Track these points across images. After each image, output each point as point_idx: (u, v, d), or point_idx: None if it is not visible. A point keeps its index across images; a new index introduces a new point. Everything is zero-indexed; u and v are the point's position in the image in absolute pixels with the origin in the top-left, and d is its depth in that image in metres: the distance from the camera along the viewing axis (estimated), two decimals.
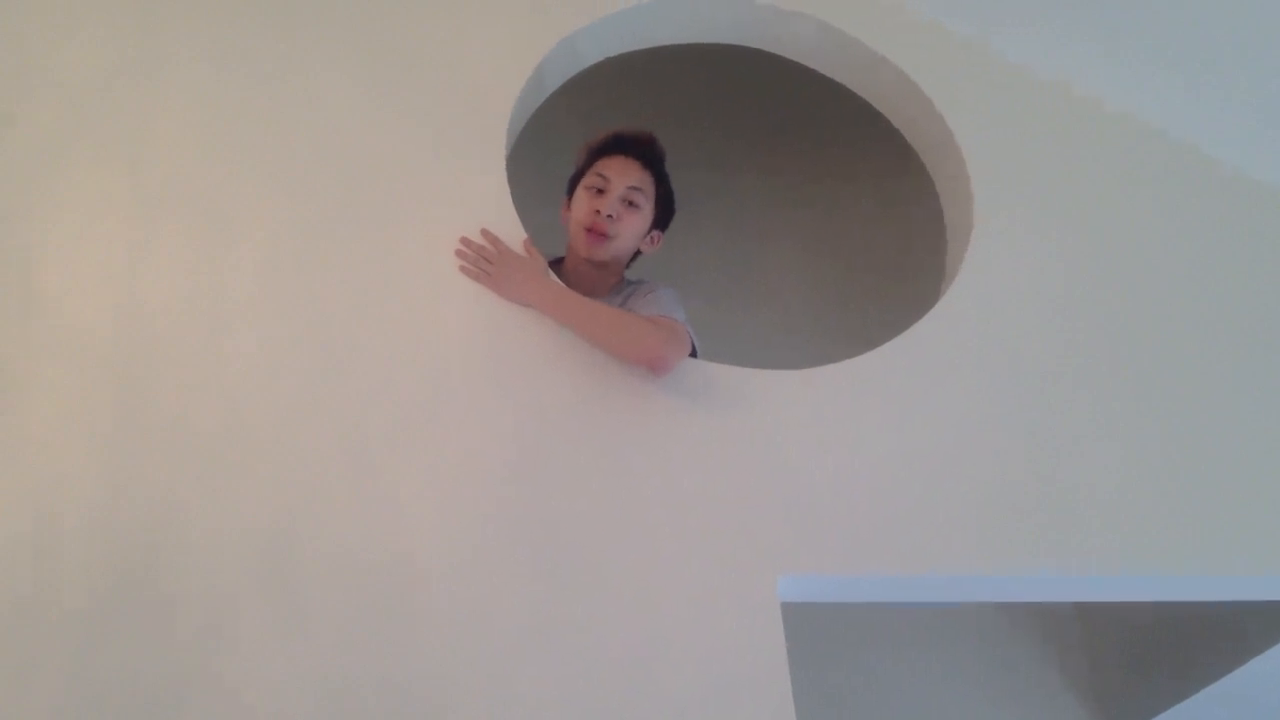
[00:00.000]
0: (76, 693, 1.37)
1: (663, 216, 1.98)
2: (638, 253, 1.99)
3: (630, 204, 1.89)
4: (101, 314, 1.64)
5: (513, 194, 1.84)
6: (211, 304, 1.67)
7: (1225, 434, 1.82)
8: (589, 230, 1.87)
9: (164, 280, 1.68)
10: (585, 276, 1.90)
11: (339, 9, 1.97)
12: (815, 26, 2.12)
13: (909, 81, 2.08)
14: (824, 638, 2.48)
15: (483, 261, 1.74)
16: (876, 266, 3.04)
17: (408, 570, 1.50)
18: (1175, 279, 1.96)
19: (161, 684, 1.39)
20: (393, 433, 1.60)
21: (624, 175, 1.89)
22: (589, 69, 2.19)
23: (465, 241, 1.76)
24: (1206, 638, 2.23)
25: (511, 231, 1.80)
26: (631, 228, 1.90)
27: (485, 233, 1.78)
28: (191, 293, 1.68)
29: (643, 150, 1.93)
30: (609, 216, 1.86)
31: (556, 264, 1.92)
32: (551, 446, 1.63)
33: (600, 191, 1.89)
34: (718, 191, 3.06)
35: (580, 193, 1.92)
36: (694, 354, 1.78)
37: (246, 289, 1.69)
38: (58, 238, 1.70)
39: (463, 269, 1.75)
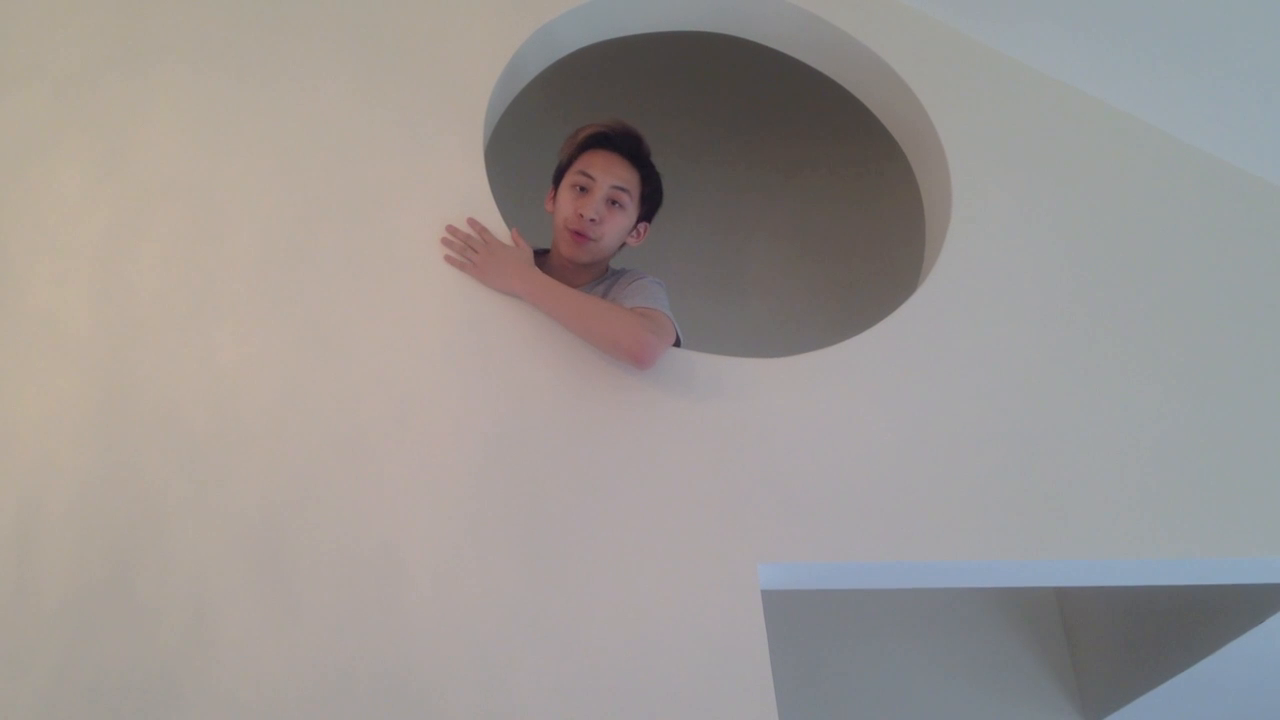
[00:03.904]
0: (66, 686, 1.37)
1: (649, 210, 1.96)
2: (623, 244, 1.98)
3: (614, 203, 1.87)
4: (89, 306, 1.64)
5: (491, 183, 1.84)
6: (199, 296, 1.67)
7: (1206, 418, 1.83)
8: (573, 232, 1.86)
9: (151, 272, 1.68)
10: (569, 270, 1.89)
11: (322, 2, 1.96)
12: (795, 14, 2.12)
13: (887, 68, 2.08)
14: (808, 625, 2.49)
15: (468, 250, 1.74)
16: (861, 255, 3.04)
17: (397, 561, 1.50)
18: (1154, 262, 1.97)
19: (151, 677, 1.39)
20: (381, 424, 1.60)
21: (609, 174, 1.86)
22: (570, 61, 2.18)
23: (452, 230, 1.76)
24: (1186, 621, 2.24)
25: (489, 220, 1.79)
26: (615, 228, 1.87)
27: (472, 222, 1.78)
28: (179, 285, 1.68)
29: (629, 147, 1.90)
30: (592, 220, 1.84)
31: (541, 256, 1.91)
32: (536, 437, 1.63)
33: (584, 190, 1.87)
34: (701, 181, 3.05)
35: (565, 190, 1.89)
36: (678, 344, 1.78)
37: (234, 282, 1.69)
38: (47, 229, 1.70)
39: (447, 258, 1.74)
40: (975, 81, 2.11)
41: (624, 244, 1.96)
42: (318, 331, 1.66)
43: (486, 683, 1.43)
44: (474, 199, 1.81)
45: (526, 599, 1.50)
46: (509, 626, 1.47)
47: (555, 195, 1.93)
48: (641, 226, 1.96)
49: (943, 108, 2.04)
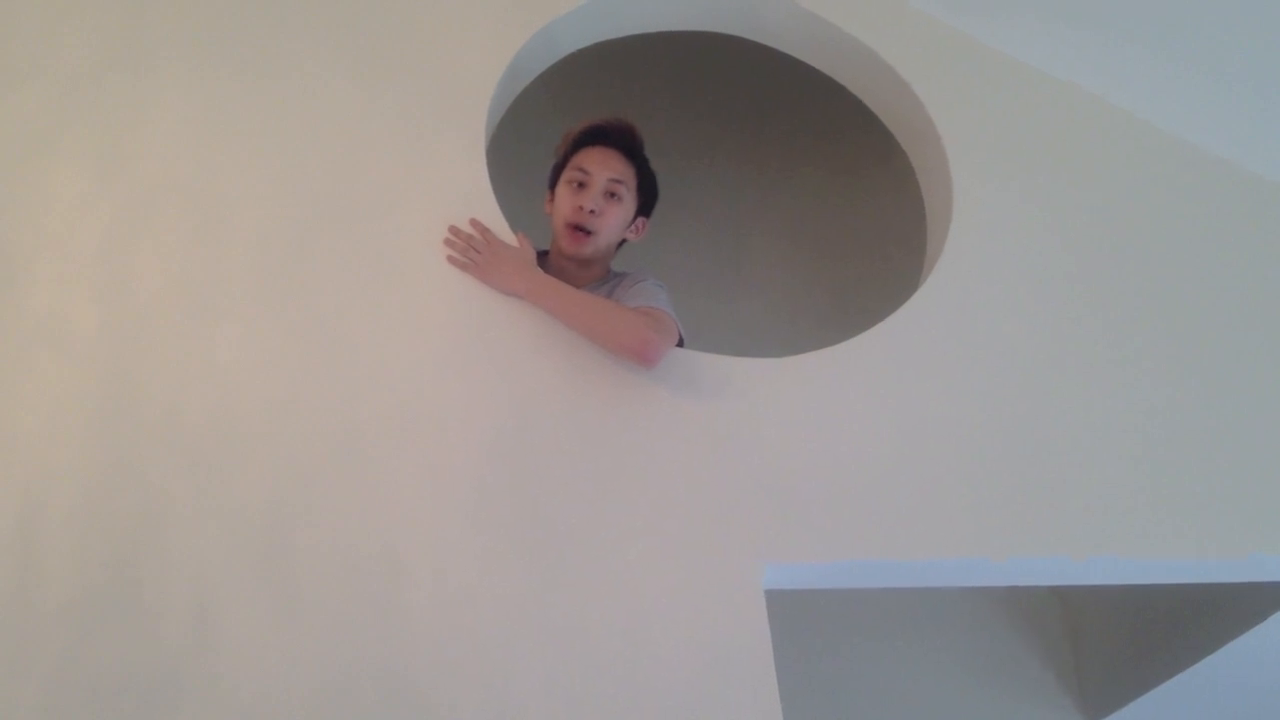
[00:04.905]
0: (67, 686, 1.37)
1: (646, 203, 1.97)
2: (623, 241, 1.98)
3: (612, 195, 1.88)
4: (90, 306, 1.64)
5: (493, 183, 1.83)
6: (201, 295, 1.67)
7: (1208, 416, 1.83)
8: (572, 227, 1.86)
9: (152, 272, 1.68)
10: (570, 269, 1.89)
11: (324, 2, 1.96)
12: (793, 12, 2.12)
13: (887, 67, 2.08)
14: (810, 624, 2.49)
15: (470, 251, 1.74)
16: (859, 254, 3.04)
17: (398, 561, 1.49)
18: (1156, 260, 1.98)
19: (153, 677, 1.38)
20: (382, 423, 1.59)
21: (604, 168, 1.88)
22: (571, 59, 2.18)
23: (454, 231, 1.76)
24: (1188, 620, 2.24)
25: (492, 220, 1.79)
26: (614, 220, 1.89)
27: (474, 222, 1.77)
28: (181, 284, 1.67)
29: (623, 140, 1.92)
30: (591, 212, 1.85)
31: (541, 256, 1.91)
32: (538, 436, 1.62)
33: (581, 185, 1.87)
34: (699, 180, 3.05)
35: (562, 188, 1.91)
36: (681, 344, 1.78)
37: (235, 281, 1.69)
38: (48, 228, 1.70)
39: (450, 259, 1.74)
40: (976, 80, 2.11)
41: (624, 240, 1.96)
42: (319, 331, 1.66)
43: (488, 683, 1.43)
44: (476, 199, 1.81)
45: (529, 600, 1.50)
46: (512, 627, 1.47)
47: (553, 197, 1.94)
48: (640, 221, 1.96)
49: (944, 106, 2.04)
